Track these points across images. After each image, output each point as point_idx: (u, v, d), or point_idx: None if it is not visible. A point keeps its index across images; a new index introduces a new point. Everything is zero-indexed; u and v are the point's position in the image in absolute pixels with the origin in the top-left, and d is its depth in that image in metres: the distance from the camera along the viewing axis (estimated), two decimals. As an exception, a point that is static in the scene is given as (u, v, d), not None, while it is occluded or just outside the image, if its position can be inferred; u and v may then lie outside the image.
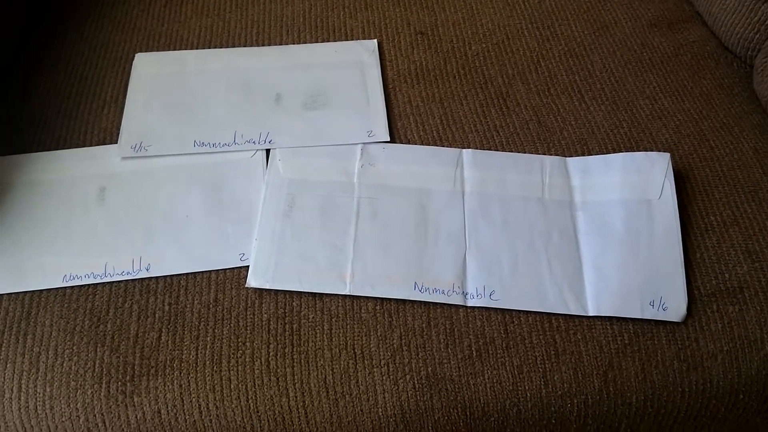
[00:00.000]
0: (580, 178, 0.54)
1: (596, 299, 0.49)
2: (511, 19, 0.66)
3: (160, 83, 0.61)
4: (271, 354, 0.47)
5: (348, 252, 0.51)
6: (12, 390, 0.46)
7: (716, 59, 0.63)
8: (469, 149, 0.56)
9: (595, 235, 0.51)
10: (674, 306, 0.48)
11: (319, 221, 0.53)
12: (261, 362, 0.47)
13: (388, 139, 0.57)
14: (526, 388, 0.47)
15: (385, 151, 0.56)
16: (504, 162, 0.55)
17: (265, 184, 0.54)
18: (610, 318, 0.48)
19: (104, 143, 0.57)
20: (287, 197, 0.54)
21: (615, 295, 0.49)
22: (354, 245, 0.51)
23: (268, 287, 0.50)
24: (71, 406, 0.46)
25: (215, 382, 0.46)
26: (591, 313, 0.48)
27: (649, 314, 0.48)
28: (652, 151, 0.56)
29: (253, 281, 0.50)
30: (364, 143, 0.56)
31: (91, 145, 0.57)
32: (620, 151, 0.56)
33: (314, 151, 0.56)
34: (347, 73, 0.61)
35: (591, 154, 0.56)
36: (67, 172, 0.55)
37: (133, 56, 0.63)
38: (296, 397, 0.46)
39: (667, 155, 0.54)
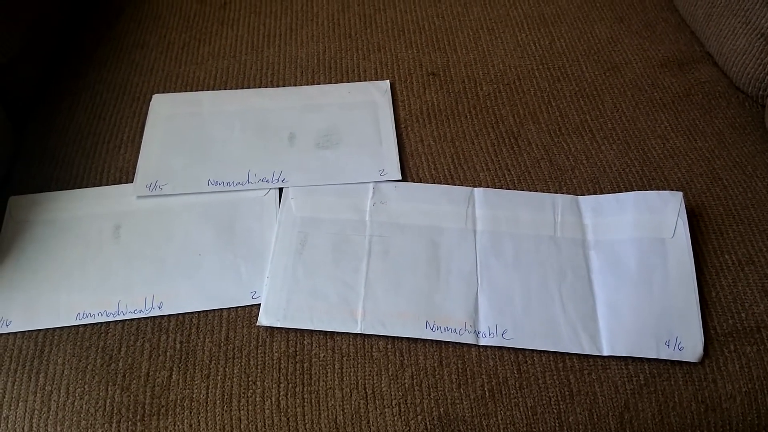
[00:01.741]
0: (592, 217, 0.54)
1: (611, 338, 0.48)
2: (522, 60, 0.67)
3: (177, 123, 0.62)
4: (281, 393, 0.47)
5: (359, 290, 0.51)
6: (23, 429, 0.46)
7: (727, 99, 0.63)
8: (481, 188, 0.56)
9: (609, 273, 0.51)
10: (690, 346, 0.48)
11: (330, 259, 0.53)
12: (272, 402, 0.47)
13: (400, 178, 0.57)
14: (540, 429, 0.46)
15: (396, 190, 0.56)
16: (515, 200, 0.55)
17: (278, 222, 0.55)
18: (625, 358, 0.48)
19: (120, 182, 0.58)
20: (299, 235, 0.54)
21: (630, 335, 0.48)
22: (365, 283, 0.51)
23: (279, 326, 0.50)
24: (81, 445, 0.46)
25: (225, 421, 0.46)
26: (605, 353, 0.48)
27: (665, 354, 0.47)
28: (664, 190, 0.55)
29: (264, 320, 0.50)
30: (376, 182, 0.57)
31: (107, 184, 0.58)
32: (632, 190, 0.56)
33: (327, 190, 0.57)
34: (360, 113, 0.62)
35: (603, 193, 0.56)
36: (83, 210, 0.56)
37: (151, 97, 0.65)
38: (306, 437, 0.46)
39: (680, 194, 0.54)
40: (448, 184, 0.57)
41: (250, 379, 0.48)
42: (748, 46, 0.62)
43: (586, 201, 0.55)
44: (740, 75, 0.63)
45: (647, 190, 0.56)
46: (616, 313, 0.49)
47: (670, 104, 0.63)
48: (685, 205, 0.53)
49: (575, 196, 0.56)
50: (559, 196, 0.56)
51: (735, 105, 0.63)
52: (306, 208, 0.55)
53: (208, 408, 0.47)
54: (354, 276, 0.52)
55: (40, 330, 0.50)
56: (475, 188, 0.56)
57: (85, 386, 0.48)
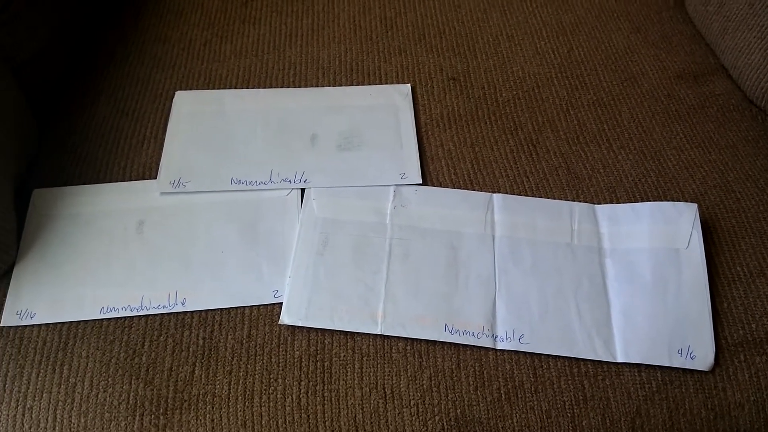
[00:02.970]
0: (608, 226, 0.55)
1: (624, 346, 0.49)
2: (542, 68, 0.68)
3: (199, 121, 0.63)
4: (302, 391, 0.48)
5: (380, 292, 0.52)
6: (47, 420, 0.47)
7: (741, 112, 0.64)
8: (500, 194, 0.57)
9: (624, 282, 0.52)
10: (702, 355, 0.49)
11: (351, 260, 0.54)
12: (292, 399, 0.48)
13: (421, 182, 0.58)
14: (556, 433, 0.47)
15: (417, 194, 0.57)
16: (533, 207, 0.56)
17: (300, 223, 0.55)
18: (638, 365, 0.49)
19: (143, 178, 0.59)
20: (321, 236, 0.55)
21: (643, 343, 0.49)
22: (386, 285, 0.52)
23: (300, 325, 0.51)
24: (106, 437, 0.47)
25: (247, 417, 0.47)
26: (620, 360, 0.49)
27: (678, 362, 0.49)
28: (679, 201, 0.56)
29: (286, 318, 0.51)
30: (397, 185, 0.58)
31: (130, 180, 0.59)
32: (648, 200, 0.57)
33: (348, 192, 0.57)
34: (381, 115, 0.63)
35: (619, 203, 0.57)
36: (107, 205, 0.57)
37: (173, 94, 0.65)
38: (327, 435, 0.47)
39: (695, 206, 0.55)
40: (468, 189, 0.58)
41: (271, 376, 0.49)
42: (763, 61, 0.63)
43: (603, 210, 0.56)
44: (754, 89, 0.64)
45: (662, 200, 0.57)
46: (631, 320, 0.50)
47: (685, 116, 0.64)
48: (699, 217, 0.54)
49: (592, 205, 0.57)
50: (576, 204, 0.57)
51: (748, 118, 0.64)
52: (328, 209, 0.56)
53: (230, 403, 0.48)
54: (374, 278, 0.53)
55: (64, 323, 0.51)
56: (494, 194, 0.57)
57: (109, 379, 0.49)
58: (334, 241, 0.54)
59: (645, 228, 0.55)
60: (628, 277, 0.52)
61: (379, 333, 0.50)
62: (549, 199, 0.57)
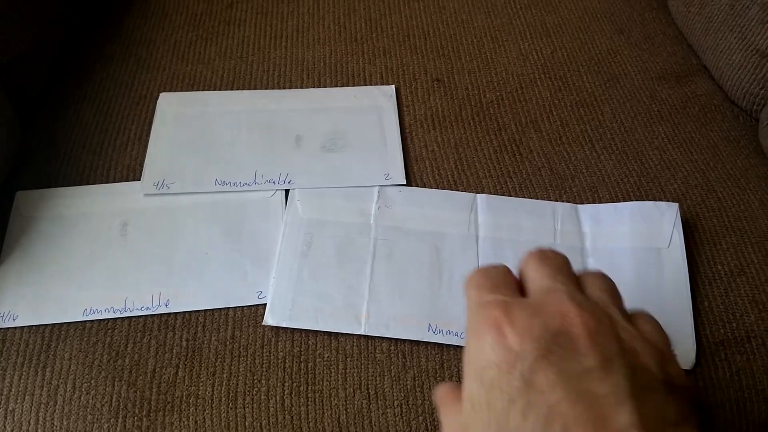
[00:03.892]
0: (590, 225, 0.55)
1: None
2: (525, 69, 0.68)
3: (184, 122, 0.63)
4: (286, 392, 0.48)
5: (364, 292, 0.52)
6: (30, 422, 0.47)
7: (723, 112, 0.65)
8: (483, 194, 0.57)
9: None
10: (683, 354, 0.49)
11: (335, 261, 0.54)
12: (276, 400, 0.48)
13: (405, 183, 0.58)
14: None
15: (401, 194, 0.57)
16: (517, 207, 0.57)
17: (284, 224, 0.55)
18: (620, 364, 0.49)
19: (127, 179, 0.59)
20: (305, 236, 0.55)
21: None
22: (370, 286, 0.52)
23: (284, 325, 0.51)
24: (88, 439, 0.47)
25: (230, 418, 0.47)
26: None
27: None
28: (661, 200, 0.57)
29: (270, 319, 0.51)
30: (381, 186, 0.58)
31: (114, 181, 0.59)
32: (630, 199, 0.57)
33: (333, 192, 0.58)
34: (366, 117, 0.63)
35: (601, 202, 0.57)
36: (90, 207, 0.57)
37: (158, 95, 0.65)
38: (311, 436, 0.47)
39: (676, 205, 0.55)
40: (452, 190, 0.58)
41: (255, 377, 0.49)
42: (744, 62, 0.64)
43: (585, 210, 0.57)
44: (735, 89, 0.65)
45: (644, 200, 0.57)
46: None
47: (667, 116, 0.64)
48: (681, 216, 0.55)
49: (575, 205, 0.57)
50: (559, 204, 0.57)
51: (730, 118, 0.65)
52: (312, 210, 0.56)
53: (214, 405, 0.48)
54: (358, 278, 0.53)
55: (47, 325, 0.51)
56: (478, 194, 0.57)
57: (92, 381, 0.49)
58: (319, 241, 0.55)
59: (627, 228, 0.55)
60: (610, 276, 0.52)
61: (363, 333, 0.50)
62: (532, 200, 0.57)
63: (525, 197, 0.58)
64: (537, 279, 0.36)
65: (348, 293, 0.52)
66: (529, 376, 0.30)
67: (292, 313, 0.51)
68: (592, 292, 0.36)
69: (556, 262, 0.37)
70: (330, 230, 0.55)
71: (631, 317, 0.36)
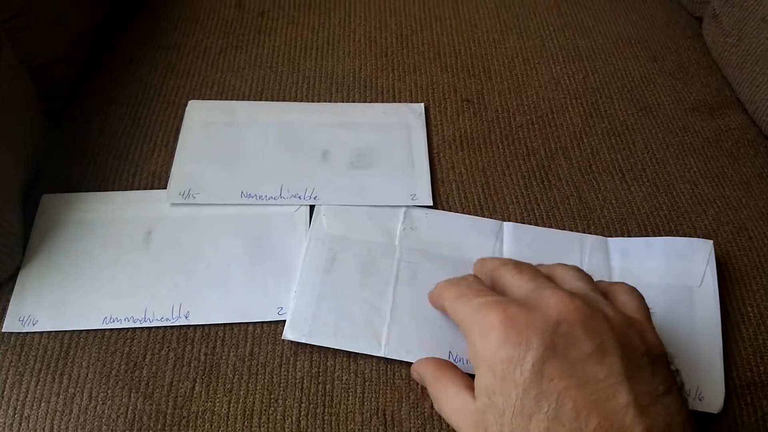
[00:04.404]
0: (620, 260, 0.54)
1: None
2: (556, 93, 0.68)
3: (211, 131, 0.62)
4: (302, 413, 0.48)
5: (385, 314, 0.51)
6: (44, 430, 0.47)
7: (756, 147, 0.64)
8: (510, 222, 0.57)
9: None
10: (711, 396, 0.48)
11: (358, 280, 0.53)
12: (292, 421, 0.47)
13: (431, 204, 0.57)
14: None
15: (427, 217, 0.57)
16: (544, 238, 0.56)
17: (308, 238, 0.55)
18: (643, 404, 0.48)
19: (153, 186, 0.59)
20: (329, 252, 0.54)
21: None
22: (392, 308, 0.52)
23: (304, 341, 0.50)
24: (102, 451, 0.46)
25: (246, 437, 0.47)
26: None
27: None
28: (692, 236, 0.56)
29: (289, 333, 0.50)
30: (407, 207, 0.57)
31: (139, 187, 0.59)
32: (660, 234, 0.56)
33: (359, 210, 0.57)
34: (394, 134, 0.62)
35: (631, 235, 0.56)
36: (115, 213, 0.56)
37: (186, 102, 0.65)
38: (326, 460, 0.46)
39: (710, 242, 0.54)
40: (478, 215, 0.57)
41: (272, 396, 0.48)
42: (780, 97, 0.63)
43: (615, 243, 0.56)
44: (770, 124, 0.64)
45: (675, 235, 0.56)
46: None
47: (699, 149, 0.63)
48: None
49: (604, 238, 0.56)
50: (588, 236, 0.56)
51: (763, 154, 0.64)
52: (337, 226, 0.56)
53: (229, 422, 0.47)
54: (380, 299, 0.52)
55: (66, 331, 0.51)
56: (505, 222, 0.57)
57: (108, 391, 0.48)
58: (342, 258, 0.54)
59: (658, 263, 0.54)
60: None
61: (383, 356, 0.50)
62: (560, 230, 0.57)
63: (552, 226, 0.57)
64: (520, 285, 0.41)
65: (369, 313, 0.51)
66: (539, 366, 0.34)
67: (312, 329, 0.50)
68: (570, 284, 0.41)
69: (530, 269, 0.42)
70: (354, 248, 0.55)
71: (609, 292, 0.42)
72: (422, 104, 0.65)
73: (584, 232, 0.56)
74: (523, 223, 0.57)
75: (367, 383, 0.49)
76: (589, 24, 0.75)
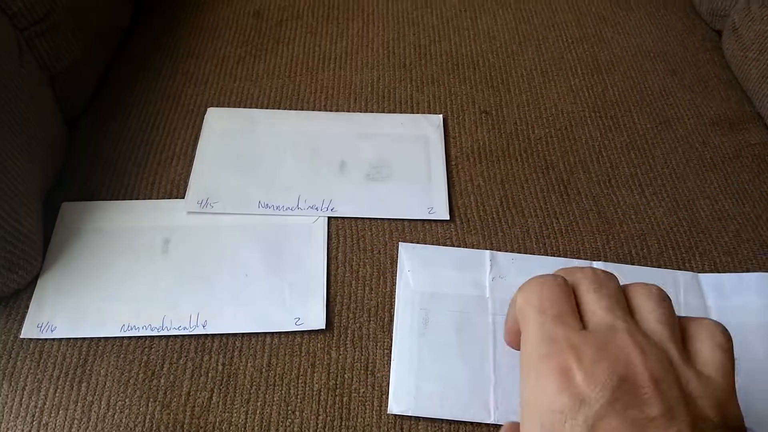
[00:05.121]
0: (715, 298, 0.52)
1: None
2: (575, 106, 0.67)
3: (230, 140, 0.62)
4: (319, 426, 0.47)
5: (489, 377, 0.49)
6: (62, 438, 0.47)
7: (776, 163, 0.63)
8: (600, 261, 0.55)
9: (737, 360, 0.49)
10: None
11: (455, 341, 0.51)
12: (309, 433, 0.47)
13: (448, 218, 0.57)
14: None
15: (514, 263, 0.55)
16: (638, 277, 0.53)
17: (397, 299, 0.53)
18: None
19: (171, 195, 0.59)
20: (421, 313, 0.52)
21: (754, 425, 0.45)
22: (494, 369, 0.49)
23: (410, 414, 0.48)
24: (120, 460, 0.46)
25: (262, 449, 0.47)
26: None
27: None
28: (711, 253, 0.55)
29: (395, 408, 0.48)
30: (492, 252, 0.55)
31: (158, 196, 0.59)
32: (679, 251, 0.56)
33: (443, 261, 0.55)
34: (412, 146, 0.62)
35: (650, 251, 0.56)
36: (134, 221, 0.57)
37: (204, 110, 0.65)
38: (343, 474, 0.46)
39: None
40: (497, 228, 0.57)
41: (289, 408, 0.48)
42: (801, 112, 0.62)
43: (707, 279, 0.54)
44: (791, 140, 0.64)
45: (694, 251, 0.56)
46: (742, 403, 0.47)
47: (719, 164, 0.63)
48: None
49: (695, 273, 0.54)
50: (680, 273, 0.54)
51: (783, 170, 0.63)
52: (424, 282, 0.54)
53: (246, 433, 0.47)
54: (481, 361, 0.50)
55: (84, 339, 0.51)
56: (594, 261, 0.55)
57: (126, 400, 0.48)
58: (435, 318, 0.52)
59: (755, 300, 0.52)
60: (739, 355, 0.49)
61: (493, 422, 0.47)
62: (650, 268, 0.55)
63: (570, 240, 0.56)
64: (596, 311, 0.35)
65: (472, 377, 0.49)
66: (593, 422, 0.30)
67: (417, 402, 0.48)
68: (647, 325, 0.35)
69: (610, 290, 0.37)
70: (445, 305, 0.52)
71: (690, 338, 0.36)
72: (440, 116, 0.65)
73: (605, 246, 0.56)
74: (542, 237, 0.57)
75: (384, 396, 0.49)
76: (607, 36, 0.75)
